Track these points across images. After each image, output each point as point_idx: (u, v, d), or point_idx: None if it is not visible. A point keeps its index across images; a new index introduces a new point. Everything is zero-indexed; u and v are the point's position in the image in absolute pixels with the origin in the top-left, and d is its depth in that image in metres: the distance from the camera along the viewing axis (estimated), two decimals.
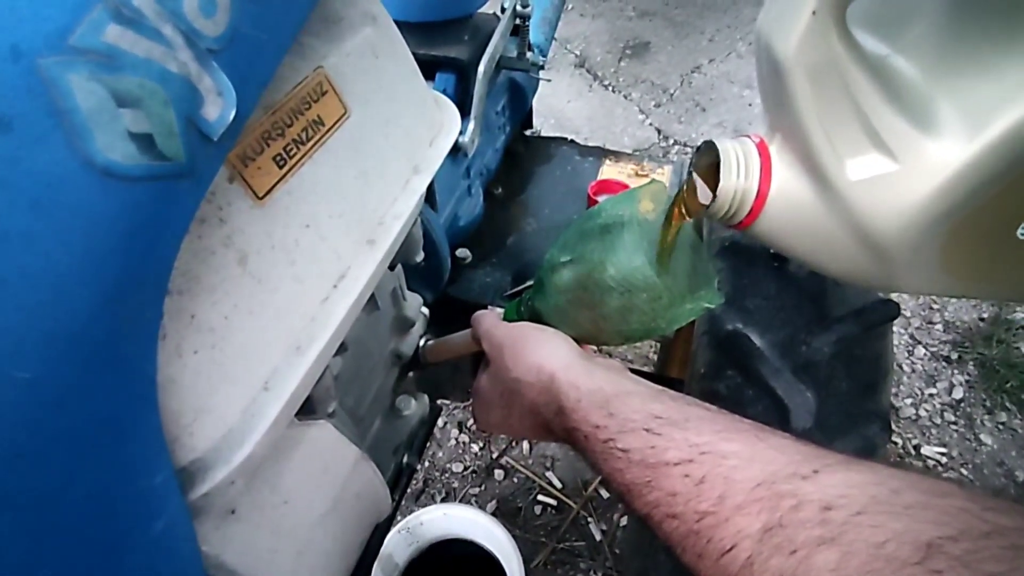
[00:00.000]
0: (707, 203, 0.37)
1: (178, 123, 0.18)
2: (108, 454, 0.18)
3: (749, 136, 0.38)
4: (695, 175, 0.39)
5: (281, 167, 0.27)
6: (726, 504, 0.26)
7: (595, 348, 0.47)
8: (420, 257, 0.48)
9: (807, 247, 0.37)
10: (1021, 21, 0.31)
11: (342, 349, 0.40)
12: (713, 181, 0.37)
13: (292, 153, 0.28)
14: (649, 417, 0.32)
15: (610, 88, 1.99)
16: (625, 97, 1.96)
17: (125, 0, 0.17)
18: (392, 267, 0.47)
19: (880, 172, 0.32)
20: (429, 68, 0.63)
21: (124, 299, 0.17)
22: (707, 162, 0.38)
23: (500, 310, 0.49)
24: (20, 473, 0.16)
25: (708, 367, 0.65)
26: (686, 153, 1.76)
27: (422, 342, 0.55)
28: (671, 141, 1.81)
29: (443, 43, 0.65)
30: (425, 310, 0.55)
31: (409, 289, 0.52)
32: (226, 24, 0.20)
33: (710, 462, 0.28)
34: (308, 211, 0.29)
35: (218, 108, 0.19)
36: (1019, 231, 0.34)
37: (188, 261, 0.23)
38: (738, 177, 0.35)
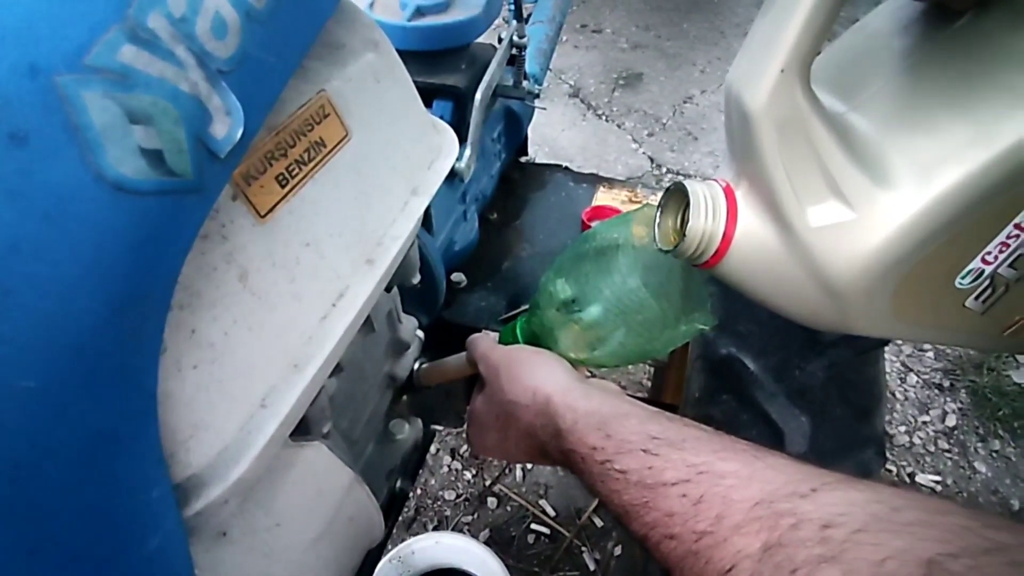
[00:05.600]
0: (673, 245, 0.38)
1: (187, 140, 0.19)
2: (106, 466, 0.18)
3: (716, 180, 0.40)
4: (662, 217, 0.41)
5: (283, 186, 0.28)
6: (724, 524, 0.26)
7: (588, 371, 0.47)
8: (417, 279, 0.49)
9: (767, 288, 0.39)
10: (964, 88, 0.34)
11: (338, 370, 0.40)
12: (682, 222, 0.39)
13: (294, 173, 0.28)
14: (646, 438, 0.32)
15: (603, 118, 2.03)
16: (618, 126, 1.99)
17: (141, 22, 0.18)
18: (388, 289, 0.47)
19: (838, 220, 0.35)
20: (427, 95, 0.65)
21: (129, 311, 0.18)
22: (676, 204, 0.40)
23: (495, 334, 0.50)
24: (18, 484, 0.16)
25: (703, 392, 0.65)
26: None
27: (416, 365, 0.55)
28: (664, 169, 1.84)
29: (441, 71, 0.66)
30: (420, 333, 0.55)
31: (405, 312, 0.52)
32: (236, 46, 0.20)
33: (708, 482, 0.28)
34: (309, 230, 0.30)
35: (226, 127, 0.20)
36: (957, 281, 0.36)
37: (190, 276, 0.23)
38: (706, 219, 0.37)
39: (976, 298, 0.37)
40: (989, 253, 0.35)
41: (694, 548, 0.26)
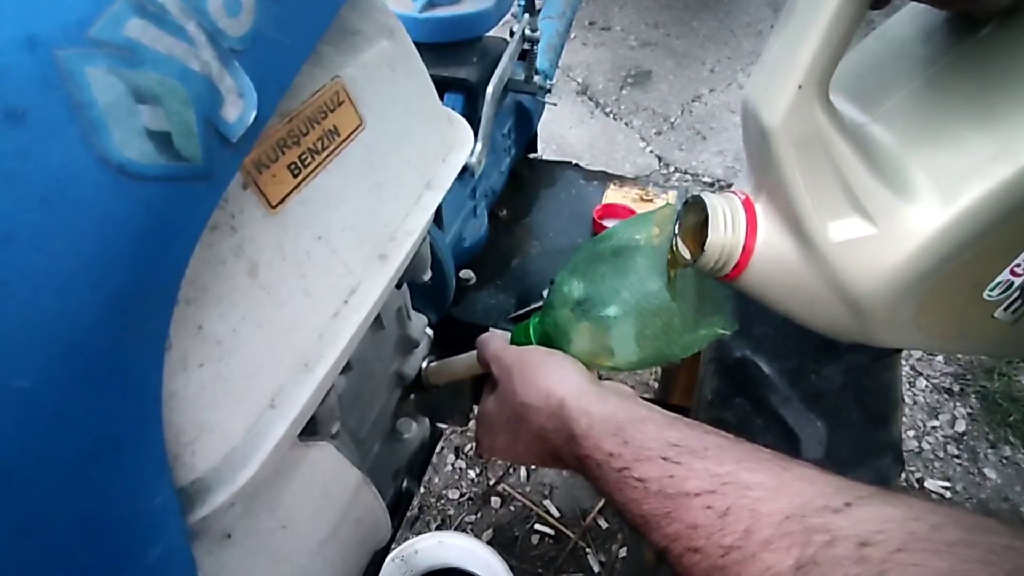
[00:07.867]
0: (692, 258, 0.38)
1: (197, 123, 0.17)
2: (106, 472, 0.17)
3: (735, 192, 0.39)
4: (681, 230, 0.40)
5: (295, 176, 0.27)
6: (753, 538, 0.25)
7: (599, 373, 0.46)
8: (428, 275, 0.47)
9: (789, 301, 0.38)
10: (987, 100, 0.33)
11: (346, 368, 0.39)
12: (700, 235, 0.38)
13: (307, 162, 0.27)
14: (666, 445, 0.30)
15: (611, 115, 2.01)
16: (626, 124, 1.98)
17: None
18: (399, 285, 0.46)
19: (860, 235, 0.34)
20: (438, 88, 0.63)
21: (132, 306, 0.16)
22: (694, 217, 0.39)
23: (505, 333, 0.48)
24: (10, 493, 0.15)
25: (716, 395, 0.64)
26: (687, 180, 1.77)
27: (425, 363, 0.54)
28: (671, 168, 1.82)
29: (453, 64, 0.65)
30: (429, 331, 0.54)
31: (413, 309, 0.51)
32: (250, 24, 0.19)
33: (734, 493, 0.27)
34: (321, 222, 0.28)
35: (238, 109, 0.19)
36: (985, 293, 0.35)
37: (197, 269, 0.22)
38: (725, 231, 0.37)
39: (1005, 309, 0.36)
40: (1018, 265, 0.34)
41: (720, 563, 0.25)
